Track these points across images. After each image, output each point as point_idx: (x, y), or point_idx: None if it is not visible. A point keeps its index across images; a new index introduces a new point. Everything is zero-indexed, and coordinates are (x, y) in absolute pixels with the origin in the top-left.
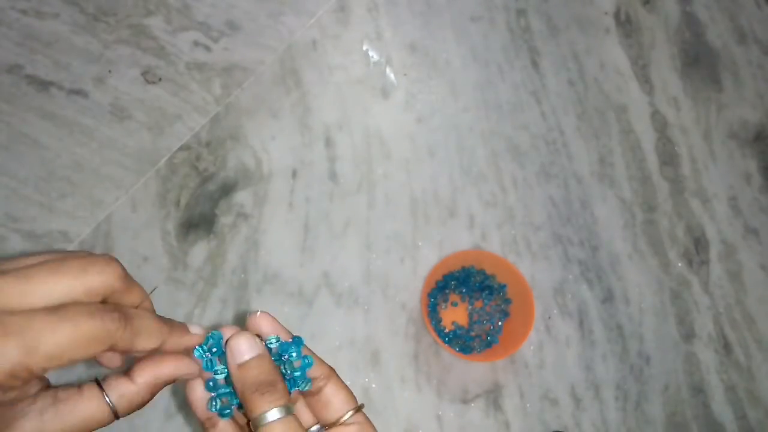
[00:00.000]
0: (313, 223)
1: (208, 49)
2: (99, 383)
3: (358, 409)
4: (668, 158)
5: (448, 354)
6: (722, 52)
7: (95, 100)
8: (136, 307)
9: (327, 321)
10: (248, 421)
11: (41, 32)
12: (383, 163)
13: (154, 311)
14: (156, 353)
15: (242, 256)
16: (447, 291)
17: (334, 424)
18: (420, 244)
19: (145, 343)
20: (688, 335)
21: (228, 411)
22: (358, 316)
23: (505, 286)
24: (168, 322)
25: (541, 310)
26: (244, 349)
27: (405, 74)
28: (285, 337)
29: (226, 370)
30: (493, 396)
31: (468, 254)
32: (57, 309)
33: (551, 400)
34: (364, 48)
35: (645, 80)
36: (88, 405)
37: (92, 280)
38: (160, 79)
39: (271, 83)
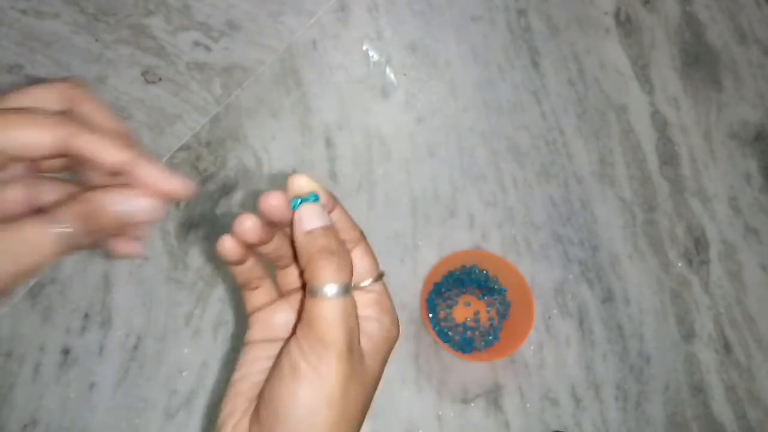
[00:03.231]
0: None
1: (208, 49)
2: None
3: (379, 277)
4: (668, 158)
5: (448, 354)
6: (722, 52)
7: None
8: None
9: None
10: (304, 285)
11: (41, 32)
12: (383, 163)
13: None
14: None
15: None
16: (447, 291)
17: (354, 288)
18: (420, 244)
19: (108, 148)
20: (688, 335)
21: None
22: None
23: (505, 289)
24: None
25: (541, 310)
26: (312, 217)
27: (405, 74)
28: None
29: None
30: (493, 396)
31: (468, 254)
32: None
33: (551, 400)
34: (364, 48)
35: (645, 80)
36: (27, 231)
37: (51, 92)
38: (160, 79)
39: (271, 83)
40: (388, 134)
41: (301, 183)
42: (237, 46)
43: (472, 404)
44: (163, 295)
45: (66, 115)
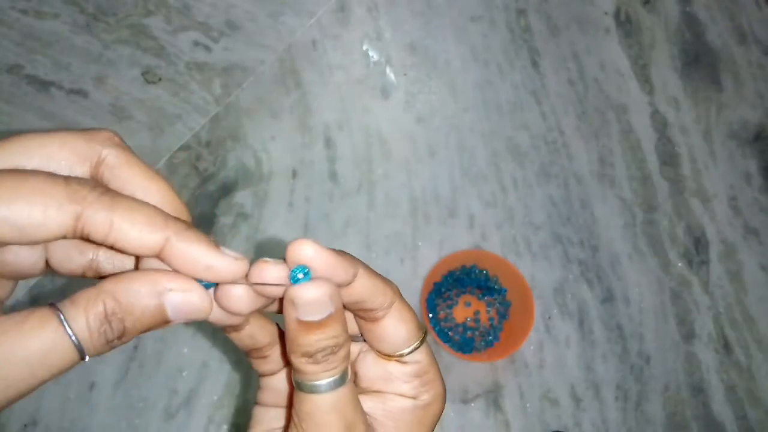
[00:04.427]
0: (313, 223)
1: (208, 49)
2: (57, 308)
3: (421, 342)
4: (668, 158)
5: (448, 354)
6: (722, 52)
7: (95, 100)
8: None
9: None
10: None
11: (41, 32)
12: (383, 163)
13: None
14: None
15: None
16: (447, 291)
17: (390, 356)
18: (420, 244)
19: (131, 229)
20: (688, 335)
21: None
22: None
23: (505, 289)
24: (181, 222)
25: (541, 310)
26: (313, 304)
27: (405, 74)
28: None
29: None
30: (493, 396)
31: (468, 254)
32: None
33: (551, 400)
34: (364, 48)
35: (645, 80)
36: (39, 339)
37: (75, 144)
38: (160, 79)
39: (271, 83)
40: (388, 134)
41: (305, 252)
42: (237, 46)
43: (472, 404)
44: None
45: (84, 182)
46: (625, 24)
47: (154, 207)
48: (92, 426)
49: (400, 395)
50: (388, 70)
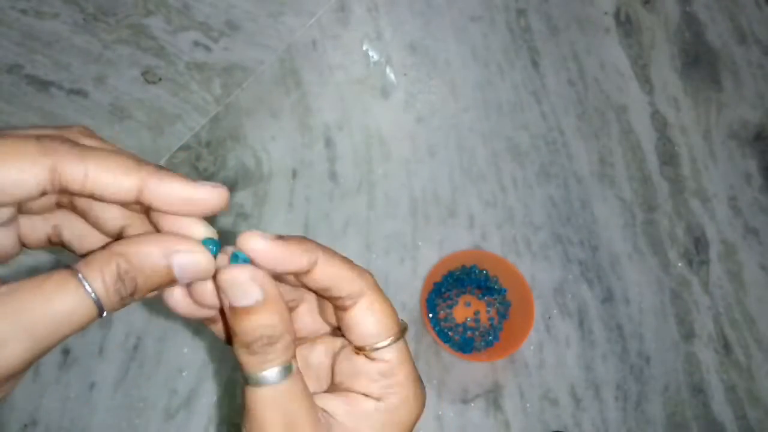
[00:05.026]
0: (313, 223)
1: (208, 49)
2: (74, 269)
3: (399, 336)
4: (668, 158)
5: (448, 354)
6: (722, 52)
7: (95, 100)
8: None
9: None
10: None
11: (41, 32)
12: (383, 163)
13: None
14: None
15: None
16: (447, 291)
17: (361, 350)
18: (420, 244)
19: (106, 175)
20: (688, 335)
21: None
22: None
23: (505, 289)
24: (156, 166)
25: (541, 310)
26: (241, 290)
27: (405, 74)
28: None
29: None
30: (493, 396)
31: (468, 254)
32: None
33: (551, 400)
34: (364, 48)
35: (645, 80)
36: (62, 298)
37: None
38: (160, 79)
39: (271, 83)
40: (388, 134)
41: (249, 241)
42: (237, 46)
43: (472, 404)
44: None
45: (54, 137)
46: (625, 24)
47: (127, 153)
48: (92, 426)
49: (365, 395)
50: (388, 70)
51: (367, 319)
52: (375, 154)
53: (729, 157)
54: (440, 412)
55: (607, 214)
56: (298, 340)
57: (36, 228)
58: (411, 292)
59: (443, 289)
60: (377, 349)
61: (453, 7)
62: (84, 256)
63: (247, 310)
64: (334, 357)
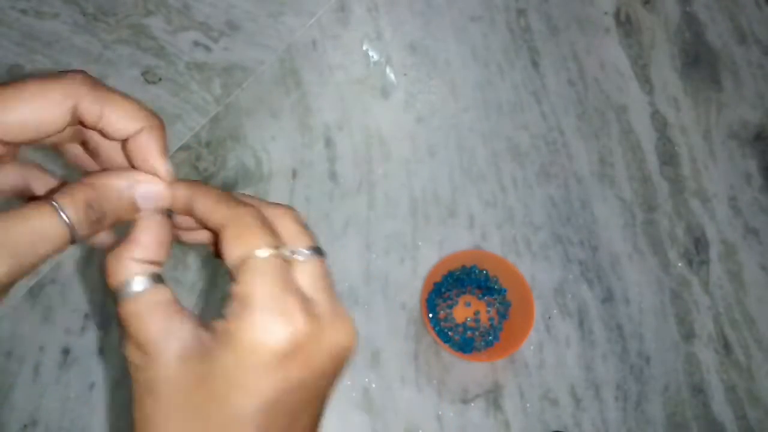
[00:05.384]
0: (313, 223)
1: (208, 49)
2: (49, 197)
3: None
4: (668, 158)
5: (448, 354)
6: (722, 52)
7: None
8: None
9: None
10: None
11: (41, 32)
12: (383, 163)
13: (158, 146)
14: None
15: None
16: (447, 291)
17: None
18: (420, 244)
19: (117, 120)
20: (688, 335)
21: None
22: (358, 316)
23: (505, 289)
24: (155, 116)
25: (541, 310)
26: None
27: (405, 74)
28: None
29: None
30: (493, 396)
31: (468, 254)
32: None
33: (551, 400)
34: (364, 48)
35: (645, 80)
36: (38, 220)
37: (53, 95)
38: (160, 79)
39: (271, 83)
40: (388, 134)
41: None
42: (237, 46)
43: (472, 404)
44: None
45: (75, 77)
46: (625, 24)
47: (137, 103)
48: (92, 426)
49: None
50: (388, 70)
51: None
52: (375, 154)
53: (729, 157)
54: (440, 412)
55: (607, 214)
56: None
57: (8, 176)
58: (411, 292)
59: (443, 289)
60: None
61: (453, 7)
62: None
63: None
64: None
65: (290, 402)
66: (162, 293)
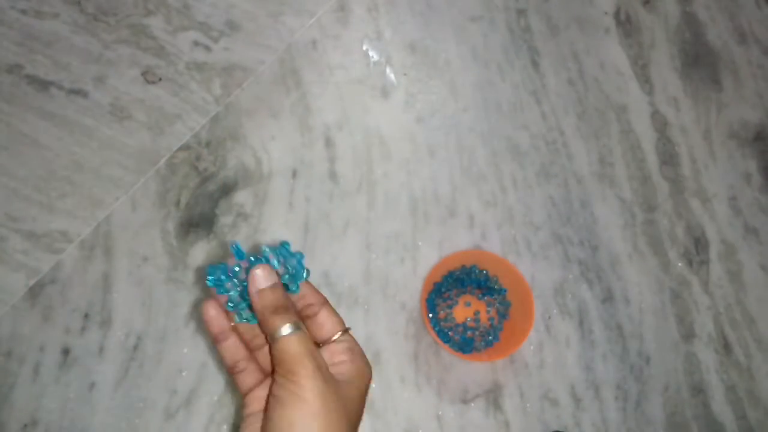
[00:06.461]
0: (313, 223)
1: (208, 49)
2: None
3: (346, 330)
4: (668, 158)
5: (448, 354)
6: (722, 52)
7: (95, 100)
8: None
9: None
10: (266, 336)
11: (41, 32)
12: (383, 163)
13: None
14: None
15: None
16: (447, 291)
17: (327, 342)
18: (420, 244)
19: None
20: (688, 335)
21: (243, 315)
22: (358, 316)
23: (505, 289)
24: None
25: (541, 310)
26: (261, 278)
27: (405, 74)
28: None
29: (237, 289)
30: (493, 396)
31: (468, 254)
32: None
33: (551, 400)
34: (364, 48)
35: (645, 80)
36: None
37: None
38: (160, 79)
39: (271, 83)
40: (388, 134)
41: (259, 275)
42: (237, 46)
43: (472, 404)
44: (163, 295)
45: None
46: (625, 24)
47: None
48: (92, 426)
49: (341, 362)
50: (388, 70)
51: (330, 318)
52: (375, 154)
53: (729, 157)
54: (440, 412)
55: (607, 214)
56: (321, 342)
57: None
58: (411, 292)
59: (443, 289)
60: (338, 337)
61: (453, 7)
62: None
63: (268, 289)
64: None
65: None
66: (307, 335)
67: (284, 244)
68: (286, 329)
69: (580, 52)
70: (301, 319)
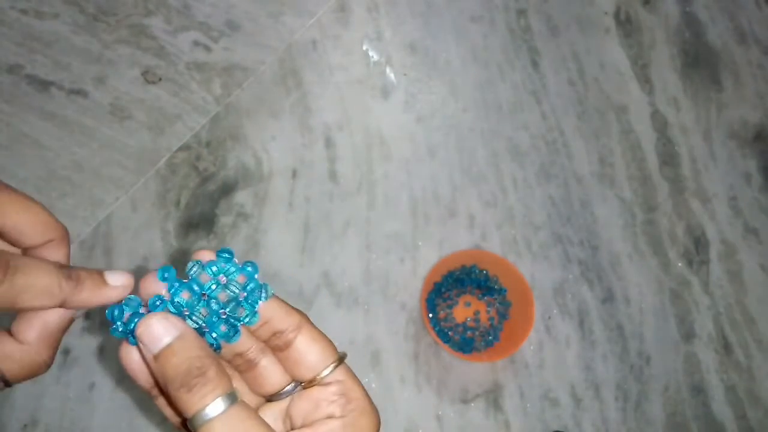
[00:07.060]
0: (313, 223)
1: (208, 49)
2: None
3: (339, 361)
4: (668, 158)
5: (448, 354)
6: (722, 52)
7: (95, 100)
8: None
9: (327, 321)
10: (184, 421)
11: (41, 32)
12: (383, 163)
13: (63, 258)
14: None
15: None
16: (447, 291)
17: (310, 383)
18: (420, 244)
19: (33, 300)
20: (688, 335)
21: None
22: (358, 316)
23: (505, 289)
24: (74, 275)
25: (541, 310)
26: (157, 334)
27: (405, 74)
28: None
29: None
30: (493, 396)
31: (468, 254)
32: None
33: (551, 400)
34: (364, 48)
35: (645, 80)
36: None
37: None
38: (160, 79)
39: (271, 83)
40: (388, 134)
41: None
42: (237, 46)
43: (472, 404)
44: None
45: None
46: (625, 24)
47: (52, 270)
48: (92, 426)
49: (330, 417)
50: (388, 70)
51: (311, 347)
52: (375, 154)
53: (729, 157)
54: (440, 412)
55: (607, 214)
56: (270, 397)
57: None
58: (411, 292)
59: (443, 289)
60: (326, 375)
61: (453, 7)
62: None
63: (169, 350)
64: (287, 412)
65: None
66: (244, 409)
67: (222, 253)
68: (212, 408)
69: (580, 52)
70: (269, 352)
